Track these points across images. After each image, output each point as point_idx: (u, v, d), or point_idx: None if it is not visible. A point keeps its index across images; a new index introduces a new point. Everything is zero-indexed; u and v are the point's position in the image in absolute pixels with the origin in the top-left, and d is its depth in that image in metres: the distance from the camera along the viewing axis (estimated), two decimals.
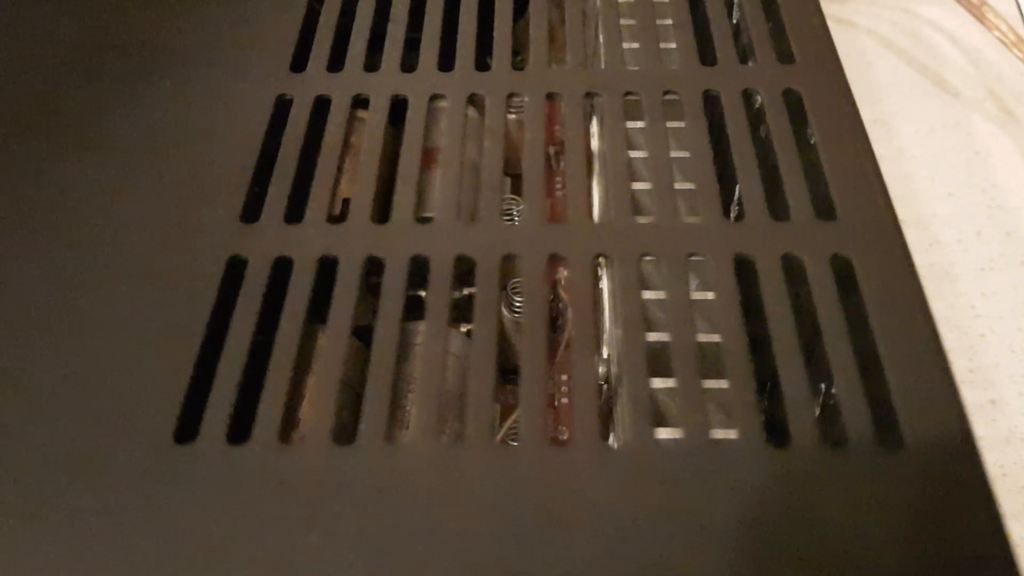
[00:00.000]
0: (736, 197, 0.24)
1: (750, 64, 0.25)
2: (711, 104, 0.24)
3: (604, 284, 0.23)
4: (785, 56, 0.25)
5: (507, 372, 0.24)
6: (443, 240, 0.21)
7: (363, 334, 0.20)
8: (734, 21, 0.27)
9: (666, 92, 0.24)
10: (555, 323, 0.25)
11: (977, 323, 0.40)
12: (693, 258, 0.20)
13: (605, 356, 0.23)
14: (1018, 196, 0.43)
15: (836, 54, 0.25)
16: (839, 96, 0.23)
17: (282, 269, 0.21)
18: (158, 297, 0.20)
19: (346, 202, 0.23)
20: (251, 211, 0.22)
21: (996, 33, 0.41)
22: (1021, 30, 0.41)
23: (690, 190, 0.22)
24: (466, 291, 0.22)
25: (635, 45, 0.26)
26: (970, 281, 0.41)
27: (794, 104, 0.23)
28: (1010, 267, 0.41)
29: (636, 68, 0.25)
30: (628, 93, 0.24)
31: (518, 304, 0.23)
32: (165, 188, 0.23)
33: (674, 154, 0.23)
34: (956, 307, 0.41)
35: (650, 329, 0.20)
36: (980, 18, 0.41)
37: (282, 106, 0.24)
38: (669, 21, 0.27)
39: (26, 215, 0.22)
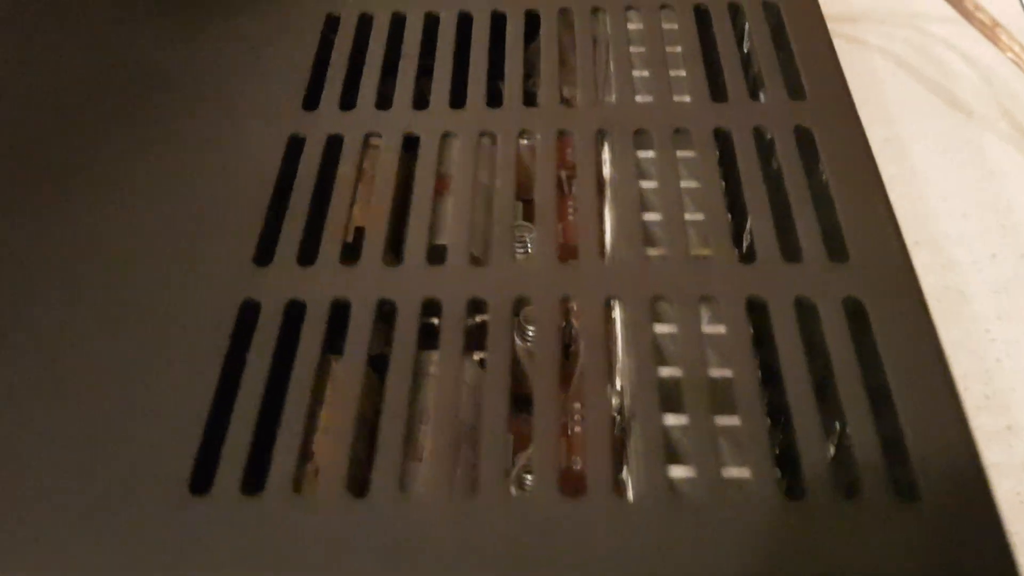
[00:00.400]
0: (748, 227, 0.24)
1: (761, 99, 0.25)
2: (722, 140, 0.24)
3: (617, 314, 0.23)
4: (796, 91, 0.25)
5: (520, 401, 0.24)
6: (455, 282, 0.21)
7: (377, 362, 0.20)
8: (744, 50, 0.27)
9: (677, 129, 0.24)
10: (567, 350, 0.25)
11: (993, 347, 0.39)
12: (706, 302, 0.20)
13: (619, 387, 0.23)
14: None
15: (847, 88, 0.25)
16: (851, 133, 0.23)
17: (295, 312, 0.21)
18: (171, 342, 0.20)
19: (359, 231, 0.23)
20: (264, 253, 0.22)
21: (1010, 54, 0.41)
22: None
23: (702, 226, 0.22)
24: (478, 318, 0.22)
25: (645, 73, 0.26)
26: (985, 304, 0.41)
27: (806, 142, 0.23)
28: None
29: (647, 103, 0.25)
30: (639, 131, 0.24)
31: (531, 333, 0.23)
32: (177, 229, 0.23)
33: (684, 184, 0.23)
34: (971, 331, 0.41)
35: (662, 366, 0.20)
36: (993, 39, 0.41)
37: (295, 145, 0.24)
38: (679, 48, 0.27)
39: (36, 257, 0.22)
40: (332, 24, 0.28)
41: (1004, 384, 0.38)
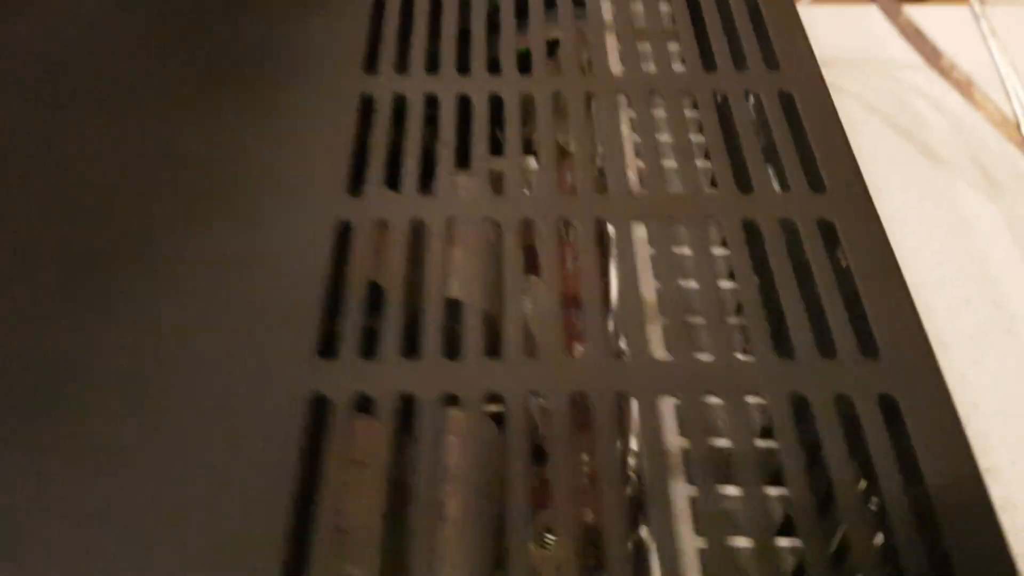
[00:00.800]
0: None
1: (779, 190, 0.27)
2: (749, 230, 0.25)
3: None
4: (814, 182, 0.26)
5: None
6: (515, 376, 0.22)
7: None
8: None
9: (706, 218, 0.26)
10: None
11: (969, 392, 0.42)
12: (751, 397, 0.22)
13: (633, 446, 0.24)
14: (1002, 264, 0.45)
15: (863, 180, 0.26)
16: (870, 225, 0.25)
17: (363, 407, 0.22)
18: (244, 442, 0.21)
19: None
20: (327, 345, 0.23)
21: (983, 112, 0.43)
22: (1006, 108, 0.44)
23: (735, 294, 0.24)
24: None
25: (661, 111, 0.28)
26: (961, 350, 0.43)
27: (828, 234, 0.25)
28: (999, 334, 0.43)
29: (677, 193, 0.26)
30: (671, 218, 0.26)
31: None
32: (235, 322, 0.23)
33: (716, 251, 0.25)
34: (949, 376, 0.43)
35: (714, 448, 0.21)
36: (968, 96, 0.44)
37: (342, 231, 0.25)
38: (698, 122, 0.28)
39: (91, 362, 0.23)
40: (367, 104, 0.29)
41: (980, 428, 0.41)
